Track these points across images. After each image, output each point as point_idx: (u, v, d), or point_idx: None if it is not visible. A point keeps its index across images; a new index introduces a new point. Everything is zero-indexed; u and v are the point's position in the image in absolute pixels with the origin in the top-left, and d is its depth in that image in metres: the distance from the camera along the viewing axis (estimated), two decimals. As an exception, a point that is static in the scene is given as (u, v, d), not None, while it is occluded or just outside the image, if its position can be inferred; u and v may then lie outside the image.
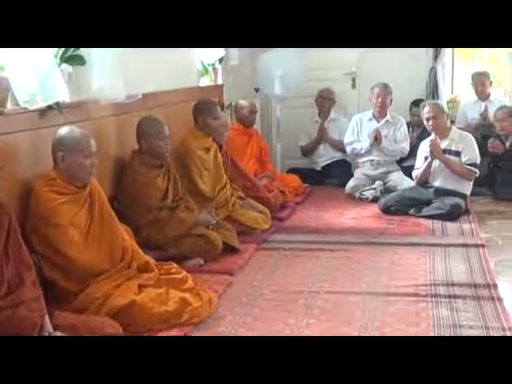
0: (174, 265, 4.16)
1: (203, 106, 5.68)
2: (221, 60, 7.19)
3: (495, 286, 4.23)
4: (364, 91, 8.00)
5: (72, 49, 4.03)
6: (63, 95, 3.91)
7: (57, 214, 3.61)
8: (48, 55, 3.79)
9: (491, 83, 7.95)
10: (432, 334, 3.53)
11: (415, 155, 6.62)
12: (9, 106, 3.65)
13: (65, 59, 4.04)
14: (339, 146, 7.77)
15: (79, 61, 4.08)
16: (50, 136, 3.78)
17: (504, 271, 4.64)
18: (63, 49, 4.02)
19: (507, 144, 6.97)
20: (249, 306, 4.02)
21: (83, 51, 4.08)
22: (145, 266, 3.98)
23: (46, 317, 3.15)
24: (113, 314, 3.50)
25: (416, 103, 7.57)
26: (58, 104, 3.87)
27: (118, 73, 4.35)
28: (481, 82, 7.82)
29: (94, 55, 4.14)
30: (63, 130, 3.76)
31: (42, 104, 3.79)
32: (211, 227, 4.95)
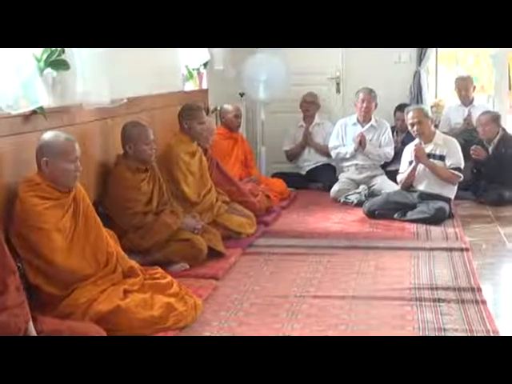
0: (159, 269, 4.15)
1: (188, 111, 5.67)
2: (206, 64, 7.20)
3: (479, 289, 4.25)
4: (348, 96, 8.04)
5: (56, 53, 4.02)
6: (44, 101, 3.90)
7: (41, 219, 3.59)
8: (30, 60, 3.78)
9: (474, 88, 8.01)
10: (417, 338, 3.54)
11: (400, 159, 6.65)
12: (-8, 110, 3.64)
13: (49, 64, 4.03)
14: (324, 151, 7.79)
15: (64, 65, 4.07)
16: (34, 141, 3.76)
17: (488, 274, 4.67)
18: (47, 53, 4.00)
19: (490, 149, 7.00)
20: (234, 310, 4.01)
21: (68, 56, 4.07)
22: (130, 271, 3.97)
23: (30, 322, 3.13)
24: (97, 319, 3.49)
25: (400, 108, 7.62)
26: (42, 109, 3.86)
27: (103, 77, 4.35)
28: (464, 87, 7.87)
29: (79, 60, 4.13)
30: (47, 135, 3.74)
31: (25, 108, 3.77)
32: (196, 232, 4.94)
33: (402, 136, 7.52)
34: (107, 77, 4.38)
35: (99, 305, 3.56)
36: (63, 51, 4.05)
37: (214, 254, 4.96)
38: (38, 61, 3.99)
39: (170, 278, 4.04)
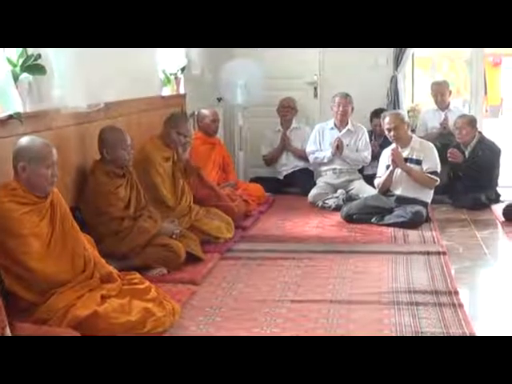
0: (137, 275, 4.14)
1: (172, 119, 5.71)
2: (183, 69, 7.19)
3: (456, 292, 4.28)
4: (326, 100, 8.06)
5: (32, 58, 4.00)
6: (20, 106, 3.88)
7: (18, 225, 3.57)
8: (5, 66, 3.76)
9: (450, 92, 8.07)
10: (395, 341, 3.56)
11: (377, 164, 6.68)
12: (-32, 115, 3.62)
13: (25, 69, 4.01)
14: (302, 155, 7.80)
15: (40, 70, 4.05)
16: (11, 146, 3.73)
17: (465, 278, 4.70)
18: (23, 58, 3.98)
19: (466, 153, 7.06)
20: (212, 315, 4.01)
21: (44, 61, 4.05)
22: (107, 277, 3.94)
23: (7, 328, 3.11)
24: (75, 324, 3.47)
25: (376, 113, 7.66)
26: (18, 114, 3.83)
27: (80, 82, 4.33)
28: (440, 92, 7.93)
29: (55, 65, 4.12)
30: (24, 140, 3.72)
31: (2, 113, 3.75)
32: (174, 237, 4.94)
33: (380, 140, 7.54)
34: (84, 81, 4.37)
35: (76, 310, 3.54)
36: (39, 56, 4.03)
37: (192, 259, 4.95)
38: (14, 66, 3.96)
39: (147, 283, 4.03)
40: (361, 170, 7.48)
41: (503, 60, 17.65)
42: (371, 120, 7.87)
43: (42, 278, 3.60)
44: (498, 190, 7.16)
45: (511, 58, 17.23)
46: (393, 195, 6.37)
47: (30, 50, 4.01)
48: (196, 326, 3.84)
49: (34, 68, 4.03)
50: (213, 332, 3.75)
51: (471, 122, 7.10)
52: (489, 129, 9.38)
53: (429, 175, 6.26)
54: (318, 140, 7.50)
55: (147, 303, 3.77)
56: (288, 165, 7.98)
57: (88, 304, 3.60)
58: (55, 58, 4.10)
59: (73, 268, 3.78)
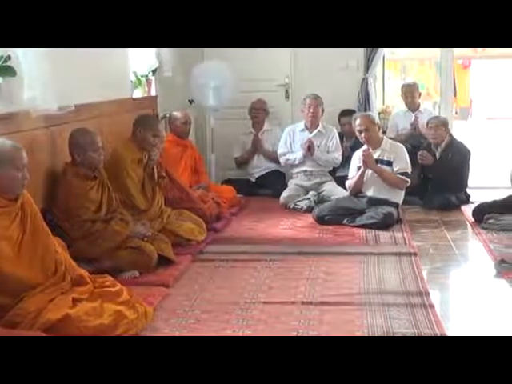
0: (109, 277, 4.11)
1: (146, 120, 5.66)
2: (154, 71, 7.17)
3: (427, 293, 4.30)
4: (297, 102, 8.06)
5: (2, 60, 3.97)
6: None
7: (-12, 228, 3.54)
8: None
9: (420, 94, 8.15)
10: (366, 342, 3.57)
11: (349, 165, 6.71)
12: None
13: (-5, 70, 3.98)
14: (273, 157, 7.82)
15: (10, 72, 4.02)
16: (-20, 148, 3.70)
17: (435, 279, 4.74)
18: (-7, 60, 3.96)
19: (437, 154, 7.11)
20: (185, 317, 4.00)
21: (14, 62, 4.02)
22: (79, 280, 3.92)
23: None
24: (46, 328, 3.44)
25: (344, 114, 7.74)
26: (-13, 116, 3.81)
27: (50, 84, 4.30)
28: (410, 93, 8.01)
29: (26, 66, 4.09)
30: (-6, 143, 3.69)
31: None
32: (146, 239, 4.92)
33: (351, 141, 7.58)
34: (54, 83, 4.34)
35: (48, 314, 3.50)
36: (9, 57, 4.00)
37: (164, 261, 4.93)
38: (-17, 68, 3.94)
39: (119, 286, 4.00)
40: (332, 172, 7.51)
41: (472, 62, 17.83)
42: (339, 120, 7.92)
43: (12, 281, 3.56)
44: (468, 191, 7.23)
45: (480, 61, 17.40)
46: (364, 196, 6.40)
47: (0, 52, 3.98)
48: (169, 328, 3.83)
49: (4, 70, 4.01)
50: (186, 334, 3.74)
51: (444, 123, 7.17)
52: (459, 131, 9.47)
53: (399, 176, 6.31)
54: (288, 142, 7.52)
55: (119, 306, 3.75)
56: (260, 167, 8.00)
57: (59, 307, 3.57)
58: (25, 59, 4.07)
59: (44, 271, 3.75)
